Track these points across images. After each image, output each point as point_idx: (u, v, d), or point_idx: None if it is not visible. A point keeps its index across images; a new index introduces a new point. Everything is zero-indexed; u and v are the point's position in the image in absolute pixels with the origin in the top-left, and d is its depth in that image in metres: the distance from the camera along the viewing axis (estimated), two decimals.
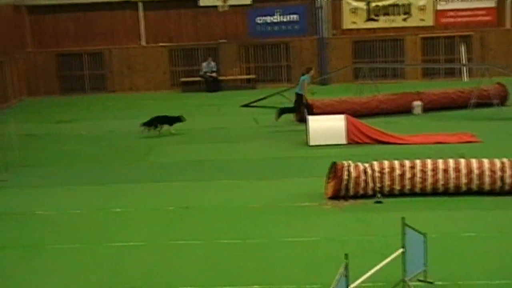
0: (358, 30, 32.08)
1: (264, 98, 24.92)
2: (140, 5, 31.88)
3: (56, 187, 15.10)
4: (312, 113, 20.35)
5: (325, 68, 31.62)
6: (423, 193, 12.81)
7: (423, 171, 12.74)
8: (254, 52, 32.31)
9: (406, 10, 31.77)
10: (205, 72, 31.31)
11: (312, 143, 18.08)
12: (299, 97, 21.22)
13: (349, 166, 12.79)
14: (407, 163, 12.90)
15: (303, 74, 21.74)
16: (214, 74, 31.34)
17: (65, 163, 17.71)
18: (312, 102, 22.03)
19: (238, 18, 32.06)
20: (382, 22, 31.95)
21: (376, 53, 32.01)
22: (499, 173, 12.60)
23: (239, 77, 32.18)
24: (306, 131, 18.43)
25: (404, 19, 31.86)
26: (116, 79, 32.34)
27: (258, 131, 20.84)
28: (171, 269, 9.76)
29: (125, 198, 13.82)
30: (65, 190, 14.78)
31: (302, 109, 21.10)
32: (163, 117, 21.04)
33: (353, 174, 12.69)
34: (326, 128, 18.26)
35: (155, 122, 20.75)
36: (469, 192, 12.74)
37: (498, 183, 12.62)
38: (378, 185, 12.76)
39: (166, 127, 20.75)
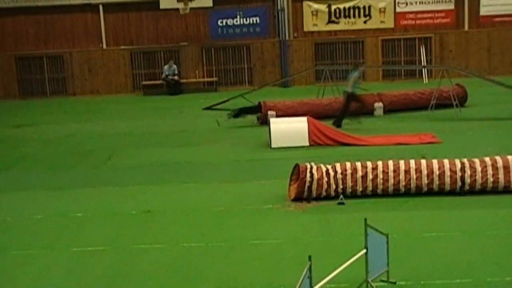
0: (319, 32, 32.28)
1: (227, 100, 24.91)
2: (101, 7, 31.67)
3: (16, 192, 14.88)
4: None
5: (287, 70, 31.75)
6: (385, 194, 12.90)
7: (385, 172, 12.82)
8: (215, 55, 32.31)
9: (367, 13, 32.05)
10: (167, 75, 31.22)
11: (274, 145, 18.09)
12: (352, 95, 20.95)
13: (311, 168, 12.82)
14: (369, 164, 12.96)
15: (354, 70, 21.48)
16: (175, 77, 31.26)
17: (25, 167, 17.48)
18: (274, 104, 22.08)
19: (199, 20, 32.05)
20: (343, 24, 32.22)
21: (337, 55, 32.24)
22: (459, 174, 12.74)
23: (201, 79, 32.17)
24: (268, 133, 18.44)
25: (365, 22, 32.15)
26: (77, 82, 32.11)
27: (221, 133, 20.81)
28: (133, 274, 9.68)
29: (86, 203, 13.67)
30: (25, 195, 14.56)
31: (353, 105, 21.00)
32: (248, 108, 22.17)
33: (316, 176, 12.73)
34: (288, 130, 18.29)
35: (241, 113, 21.88)
36: (430, 192, 12.87)
37: (459, 183, 12.76)
38: (340, 186, 12.82)
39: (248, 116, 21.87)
